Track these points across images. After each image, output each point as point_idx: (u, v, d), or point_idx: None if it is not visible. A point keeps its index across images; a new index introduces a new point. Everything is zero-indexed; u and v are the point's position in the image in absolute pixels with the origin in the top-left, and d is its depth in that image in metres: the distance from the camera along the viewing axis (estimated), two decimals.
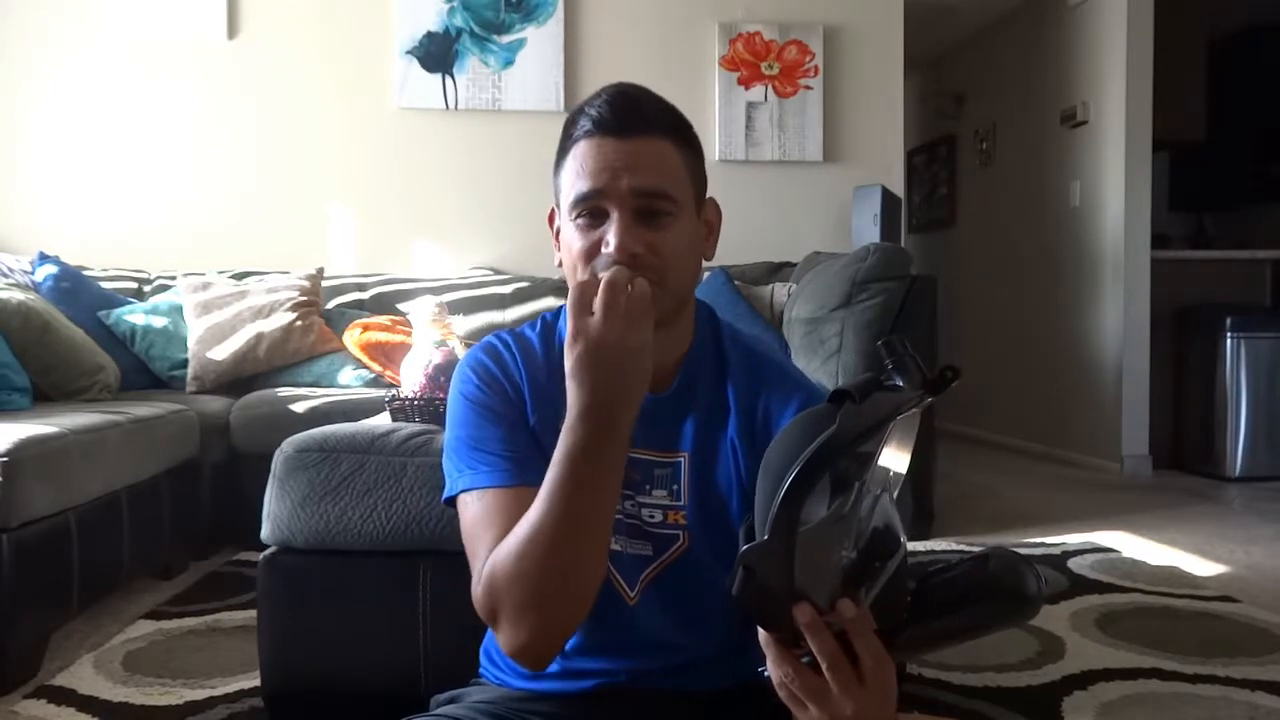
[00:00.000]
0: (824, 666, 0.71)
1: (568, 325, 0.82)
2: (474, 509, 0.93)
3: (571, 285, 0.93)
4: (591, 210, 0.92)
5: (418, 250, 3.98)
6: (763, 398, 0.99)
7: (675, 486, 0.97)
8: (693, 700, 0.97)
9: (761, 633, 0.74)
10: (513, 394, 0.98)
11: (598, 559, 0.87)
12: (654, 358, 0.97)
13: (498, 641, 0.89)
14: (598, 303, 0.80)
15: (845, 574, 0.70)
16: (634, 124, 0.92)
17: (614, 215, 0.91)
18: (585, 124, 0.93)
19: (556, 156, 0.98)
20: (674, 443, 0.98)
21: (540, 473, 0.93)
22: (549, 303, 3.55)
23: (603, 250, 0.91)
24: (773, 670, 0.74)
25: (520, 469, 0.93)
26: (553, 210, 1.02)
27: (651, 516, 0.97)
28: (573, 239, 0.94)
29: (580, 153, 0.92)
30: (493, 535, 0.90)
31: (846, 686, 0.71)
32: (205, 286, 3.33)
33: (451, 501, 0.97)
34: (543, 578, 0.84)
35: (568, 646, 0.98)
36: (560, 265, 1.00)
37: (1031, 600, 0.70)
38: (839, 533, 0.69)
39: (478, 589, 0.89)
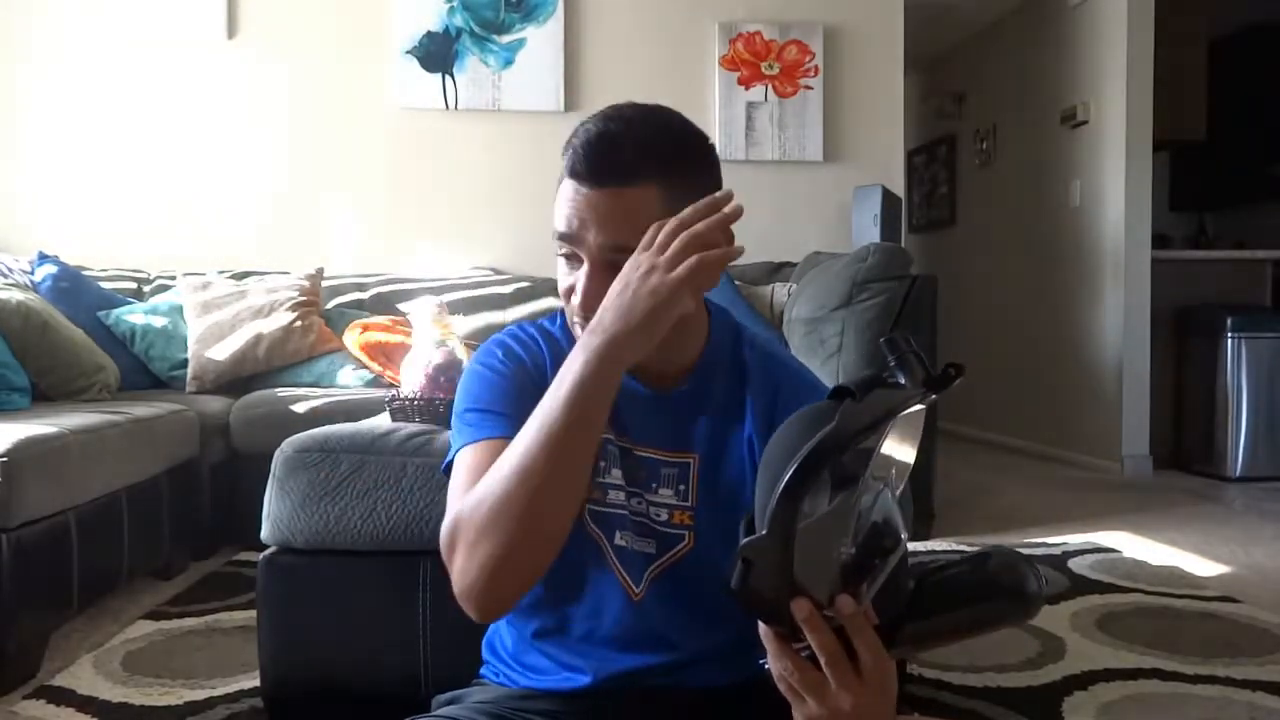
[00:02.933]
0: (822, 661, 0.71)
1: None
2: (467, 459, 0.94)
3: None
4: (569, 252, 0.93)
5: (418, 250, 3.98)
6: (780, 399, 0.99)
7: (683, 487, 0.97)
8: (695, 697, 0.98)
9: (761, 626, 0.74)
10: (533, 371, 1.00)
11: (569, 496, 0.87)
12: (661, 359, 0.98)
13: (452, 579, 0.88)
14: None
15: (844, 569, 0.70)
16: (608, 174, 0.88)
17: (584, 266, 0.91)
18: (572, 162, 0.91)
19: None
20: (684, 443, 0.98)
21: None
22: (549, 303, 3.55)
23: (572, 299, 0.92)
24: (772, 664, 0.74)
25: (517, 425, 0.92)
26: None
27: (658, 515, 0.97)
28: (558, 269, 0.95)
29: (563, 189, 0.92)
30: (472, 480, 0.90)
31: (845, 681, 0.71)
32: (205, 286, 3.33)
33: (449, 470, 0.97)
34: (511, 502, 0.84)
35: (572, 638, 0.98)
36: None
37: (1031, 599, 0.70)
38: (838, 528, 0.69)
39: (447, 521, 0.90)
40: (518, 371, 0.99)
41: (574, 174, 0.90)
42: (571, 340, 1.01)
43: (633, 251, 0.88)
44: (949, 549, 2.89)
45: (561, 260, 0.94)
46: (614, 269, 0.88)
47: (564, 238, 0.92)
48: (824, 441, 0.67)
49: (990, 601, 0.71)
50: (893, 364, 0.71)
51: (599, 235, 0.89)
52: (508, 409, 0.95)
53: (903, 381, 0.70)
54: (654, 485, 0.98)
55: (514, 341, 1.03)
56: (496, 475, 0.86)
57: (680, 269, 0.81)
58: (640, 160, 0.89)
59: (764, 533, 0.69)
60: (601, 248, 0.90)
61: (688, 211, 0.84)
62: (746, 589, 0.70)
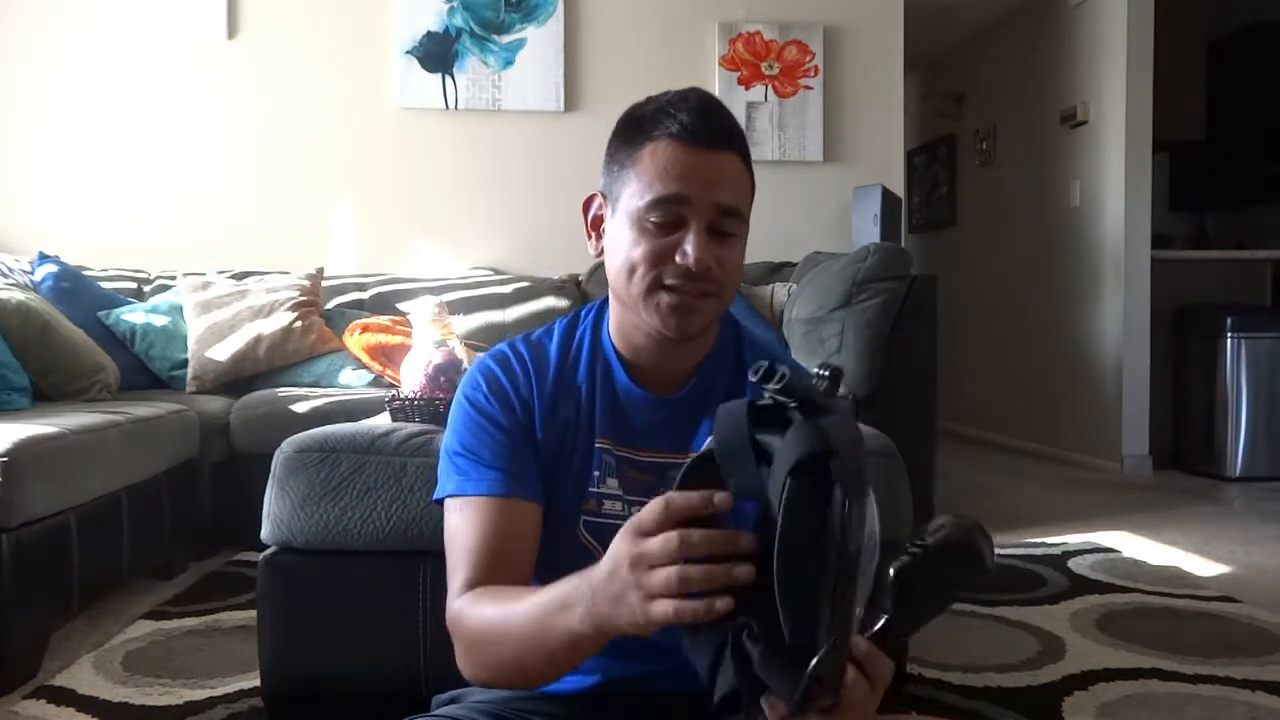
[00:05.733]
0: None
1: (622, 549, 0.70)
2: (458, 515, 0.94)
3: (623, 285, 0.93)
4: (670, 215, 0.90)
5: (418, 250, 3.98)
6: None
7: None
8: (695, 701, 0.97)
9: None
10: (520, 410, 0.98)
11: (552, 676, 0.86)
12: (673, 363, 0.99)
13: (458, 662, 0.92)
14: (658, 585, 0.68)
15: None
16: (719, 137, 0.91)
17: (692, 226, 0.90)
18: (671, 125, 0.90)
19: (618, 145, 0.95)
20: (688, 444, 0.98)
21: (535, 488, 0.95)
22: (549, 303, 3.55)
23: (677, 260, 0.90)
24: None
25: (513, 481, 0.94)
26: (591, 197, 1.00)
27: None
28: (635, 241, 0.91)
29: (664, 153, 0.90)
30: (473, 545, 0.92)
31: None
32: (205, 286, 3.33)
33: (441, 502, 0.98)
34: (500, 670, 0.86)
35: None
36: (598, 255, 0.99)
37: (989, 567, 0.71)
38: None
39: (450, 613, 0.91)
40: (504, 413, 0.97)
41: (687, 135, 0.90)
42: (604, 337, 1.01)
43: (737, 216, 0.92)
44: None
45: (641, 229, 0.91)
46: (711, 235, 0.90)
47: (675, 200, 0.90)
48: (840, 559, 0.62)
49: (958, 577, 0.71)
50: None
51: (718, 194, 0.90)
52: (493, 460, 0.95)
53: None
54: (661, 488, 0.97)
55: (499, 370, 1.00)
56: (493, 640, 0.85)
57: (659, 612, 0.68)
58: (736, 128, 0.94)
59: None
60: (717, 207, 0.90)
61: (683, 537, 0.67)
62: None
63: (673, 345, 0.96)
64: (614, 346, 1.00)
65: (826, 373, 0.65)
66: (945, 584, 0.72)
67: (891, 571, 0.70)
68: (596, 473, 0.98)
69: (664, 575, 0.66)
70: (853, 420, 0.65)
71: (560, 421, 0.99)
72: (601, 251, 0.98)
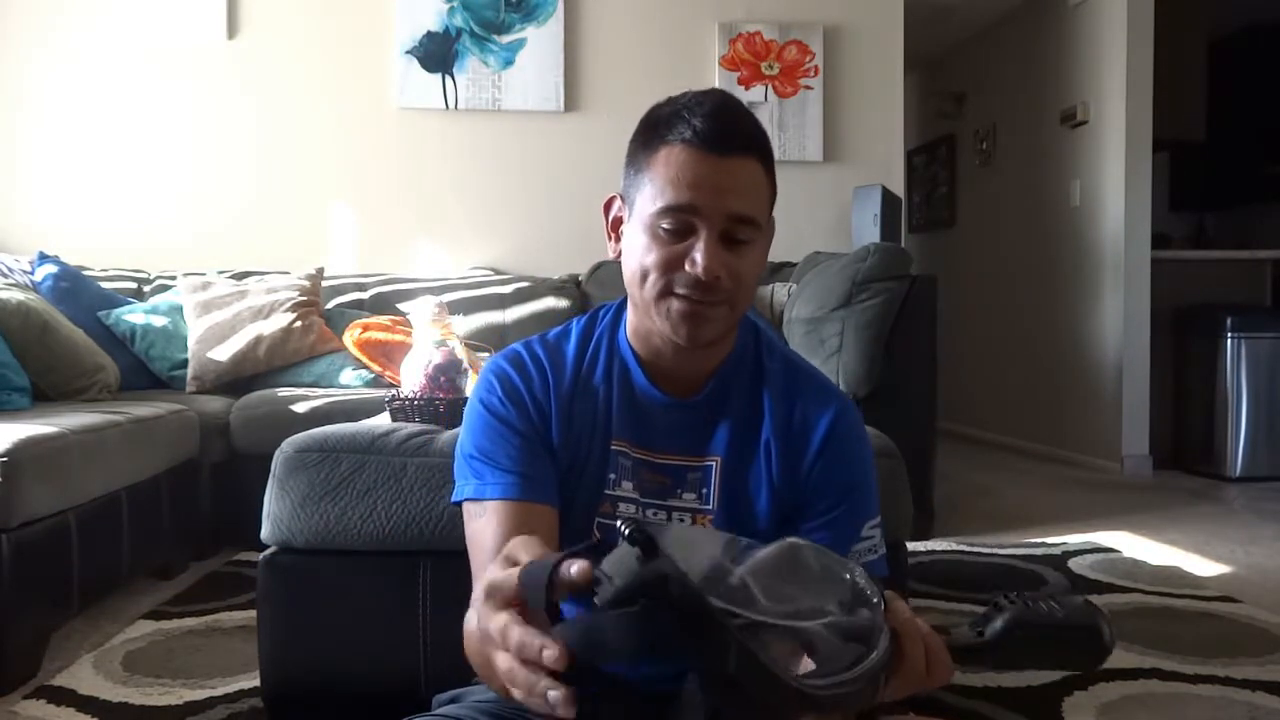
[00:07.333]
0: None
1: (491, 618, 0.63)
2: (478, 521, 0.94)
3: (636, 290, 0.92)
4: (681, 223, 0.89)
5: (418, 250, 3.98)
6: (799, 404, 0.99)
7: (705, 490, 0.97)
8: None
9: None
10: (534, 413, 0.98)
11: None
12: (691, 366, 0.98)
13: None
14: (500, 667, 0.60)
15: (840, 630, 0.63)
16: (735, 143, 0.89)
17: (702, 234, 0.89)
18: (684, 131, 0.89)
19: (637, 148, 0.94)
20: (705, 447, 0.98)
21: (551, 491, 0.94)
22: (549, 303, 3.55)
23: (686, 268, 0.89)
24: None
25: (529, 485, 0.94)
26: (612, 199, 0.99)
27: (681, 520, 0.97)
28: (647, 247, 0.91)
29: (677, 159, 0.89)
30: (492, 551, 0.91)
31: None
32: (205, 286, 3.33)
33: (460, 505, 0.98)
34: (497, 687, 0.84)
35: None
36: (615, 256, 0.98)
37: (1106, 646, 0.72)
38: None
39: (469, 622, 0.89)
40: (519, 416, 0.97)
41: (700, 141, 0.88)
42: (621, 339, 1.00)
43: (751, 224, 0.90)
44: (949, 549, 2.89)
45: (653, 234, 0.90)
46: (723, 243, 0.89)
47: (685, 208, 0.88)
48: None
49: (1073, 651, 0.73)
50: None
51: (730, 203, 0.89)
52: (509, 464, 0.95)
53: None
54: (679, 490, 0.98)
55: (514, 371, 1.00)
56: (480, 652, 0.82)
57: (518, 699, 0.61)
58: (756, 131, 0.92)
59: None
60: (729, 216, 0.89)
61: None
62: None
63: (689, 350, 0.96)
64: (631, 348, 1.00)
65: (628, 533, 0.58)
66: (1056, 648, 0.73)
67: (1008, 615, 0.71)
68: (612, 475, 0.97)
69: (501, 663, 0.60)
70: (669, 566, 0.57)
71: (577, 423, 0.98)
72: (620, 253, 0.97)
